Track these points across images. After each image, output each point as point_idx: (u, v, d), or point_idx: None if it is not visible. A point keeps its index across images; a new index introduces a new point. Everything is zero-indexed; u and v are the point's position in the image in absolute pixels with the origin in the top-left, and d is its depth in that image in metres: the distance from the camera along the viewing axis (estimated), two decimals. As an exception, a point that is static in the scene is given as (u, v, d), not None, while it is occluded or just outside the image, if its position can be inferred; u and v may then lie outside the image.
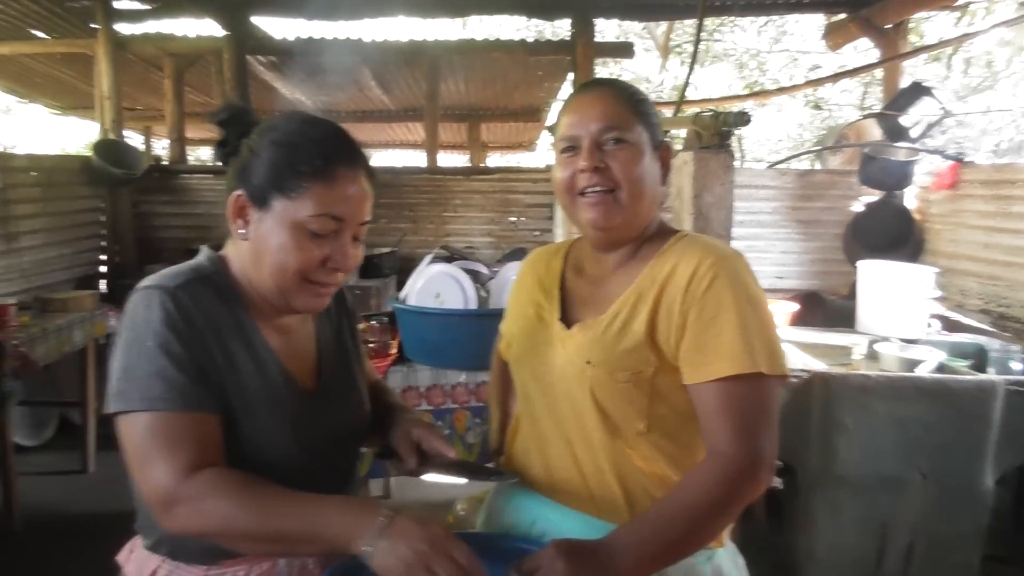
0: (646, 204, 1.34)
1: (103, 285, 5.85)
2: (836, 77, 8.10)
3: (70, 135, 14.66)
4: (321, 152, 1.18)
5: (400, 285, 3.12)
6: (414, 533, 1.03)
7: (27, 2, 5.78)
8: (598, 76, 1.46)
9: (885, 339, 3.24)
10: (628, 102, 1.34)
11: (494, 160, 14.32)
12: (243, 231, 1.22)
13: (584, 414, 1.31)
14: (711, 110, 2.86)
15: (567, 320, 1.40)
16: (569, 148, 1.35)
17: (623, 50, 7.26)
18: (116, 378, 1.13)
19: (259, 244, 1.20)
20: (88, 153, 5.91)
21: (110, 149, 5.79)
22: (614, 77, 1.73)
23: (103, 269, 5.95)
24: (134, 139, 10.21)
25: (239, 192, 1.21)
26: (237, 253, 1.26)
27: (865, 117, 6.44)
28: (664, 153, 1.38)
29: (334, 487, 1.32)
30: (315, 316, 1.39)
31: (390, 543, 1.02)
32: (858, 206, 5.66)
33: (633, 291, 1.32)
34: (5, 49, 6.68)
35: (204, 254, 1.29)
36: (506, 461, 1.54)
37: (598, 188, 1.31)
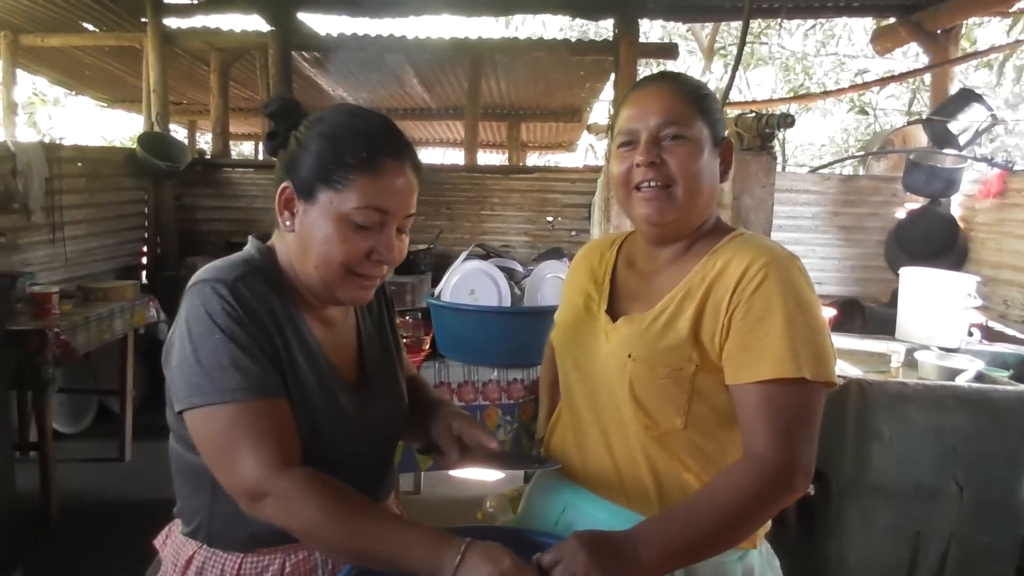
0: (702, 201, 1.32)
1: (144, 276, 5.97)
2: (884, 81, 7.98)
3: (116, 128, 14.95)
4: (367, 144, 1.18)
5: (436, 282, 3.14)
6: (484, 563, 1.03)
7: (80, -5, 5.92)
8: (662, 70, 1.46)
9: (924, 347, 3.18)
10: (690, 97, 1.31)
11: (533, 160, 14.34)
12: (289, 223, 1.22)
13: (622, 407, 1.31)
14: (754, 112, 2.84)
15: (614, 313, 1.40)
16: (627, 142, 1.33)
17: (667, 51, 7.21)
18: (189, 373, 1.13)
19: (305, 236, 1.20)
20: (133, 145, 6.03)
21: (155, 142, 5.91)
22: (680, 72, 1.72)
23: (144, 260, 6.08)
24: (179, 133, 10.39)
25: (286, 184, 1.21)
26: (283, 245, 1.27)
27: (912, 123, 6.35)
28: (725, 150, 1.36)
29: (373, 479, 1.34)
30: (357, 309, 1.39)
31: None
32: (902, 213, 5.58)
33: (682, 287, 1.30)
34: (55, 41, 6.85)
35: (253, 245, 1.30)
36: (546, 449, 1.54)
37: (653, 183, 1.30)
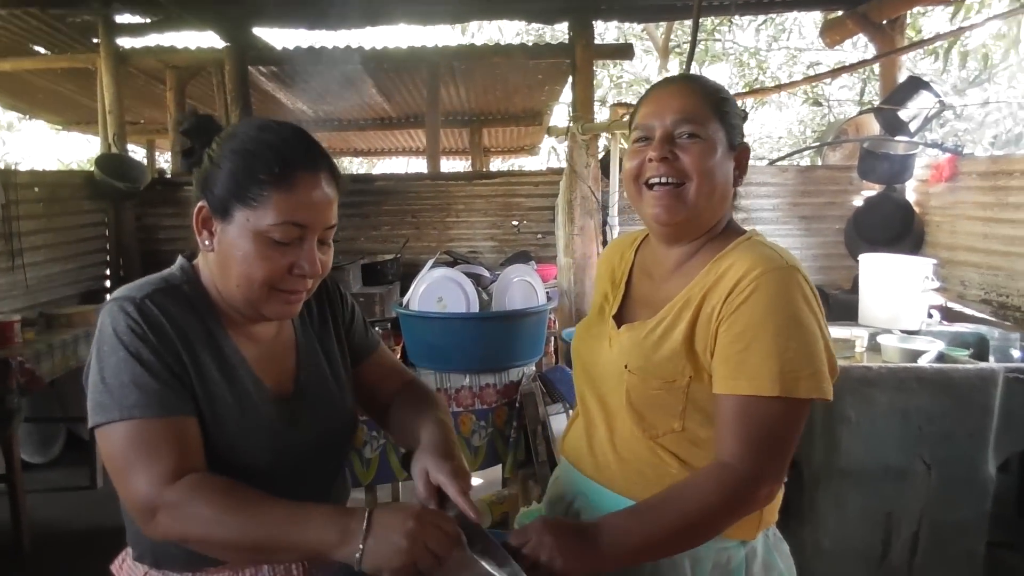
0: (714, 201, 1.32)
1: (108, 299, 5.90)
2: (834, 73, 8.09)
3: (72, 151, 14.73)
4: (279, 158, 1.15)
5: (404, 291, 3.14)
6: (397, 518, 1.04)
7: (29, 18, 5.83)
8: (684, 72, 1.46)
9: (887, 331, 3.25)
10: (708, 98, 1.31)
11: (496, 165, 14.36)
12: (208, 243, 1.20)
13: (622, 412, 1.33)
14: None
15: (622, 318, 1.42)
16: (642, 138, 1.34)
17: (623, 52, 7.27)
18: (93, 391, 1.13)
19: (224, 255, 1.19)
20: (91, 168, 5.96)
21: (113, 163, 5.83)
22: (702, 75, 1.72)
23: (108, 283, 6.00)
24: (137, 153, 10.28)
25: (202, 203, 1.19)
26: (205, 265, 1.26)
27: (864, 112, 6.47)
28: (741, 155, 1.36)
29: (320, 491, 1.32)
30: (294, 321, 1.36)
31: (377, 538, 1.03)
32: (859, 201, 5.69)
33: (682, 296, 1.31)
34: (7, 66, 6.72)
35: (178, 264, 1.29)
36: (563, 442, 1.56)
37: (665, 180, 1.30)
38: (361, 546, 1.03)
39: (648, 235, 1.51)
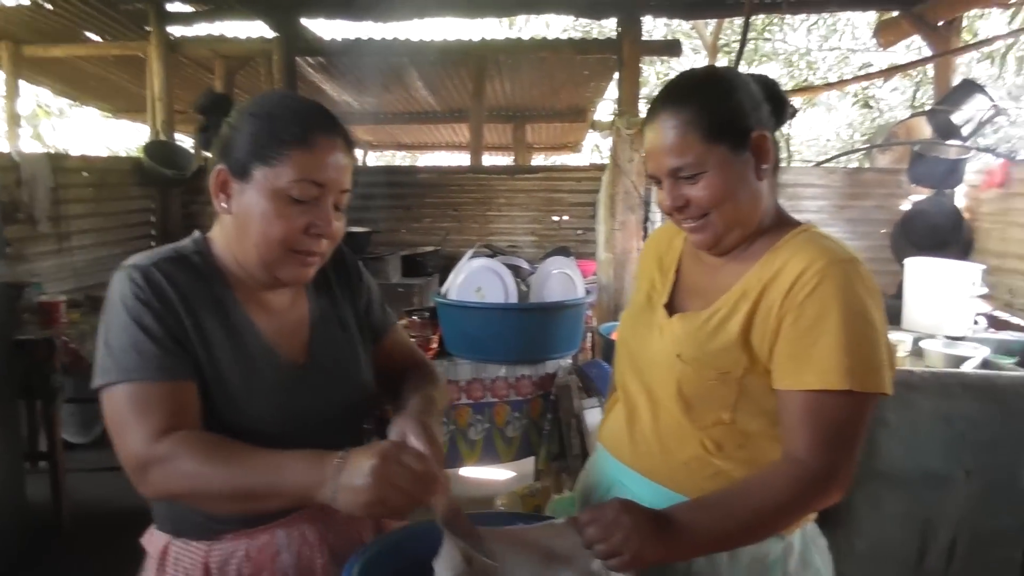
0: (743, 213, 1.30)
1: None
2: (887, 73, 7.96)
3: (121, 138, 14.99)
4: (300, 120, 1.20)
5: (443, 283, 3.16)
6: (364, 456, 1.04)
7: (81, 4, 5.94)
8: (666, 85, 1.39)
9: (931, 336, 3.19)
10: (693, 126, 1.25)
11: (538, 161, 14.34)
12: (225, 205, 1.23)
13: (670, 402, 1.32)
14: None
15: (673, 307, 1.40)
16: (654, 179, 1.34)
17: (670, 49, 7.22)
18: (100, 355, 1.16)
19: (242, 216, 1.21)
20: (139, 154, 6.07)
21: (161, 150, 5.94)
22: (681, 83, 1.63)
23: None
24: (184, 141, 10.44)
25: (220, 167, 1.22)
26: (222, 232, 1.28)
27: (916, 115, 6.34)
28: (757, 144, 1.28)
29: None
30: (309, 293, 1.39)
31: (345, 477, 1.04)
32: (907, 204, 5.59)
33: (739, 288, 1.30)
34: (59, 51, 6.85)
35: (191, 236, 1.32)
36: (599, 427, 1.56)
37: (689, 220, 1.31)
38: (333, 490, 1.04)
39: None
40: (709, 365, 1.27)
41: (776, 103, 1.34)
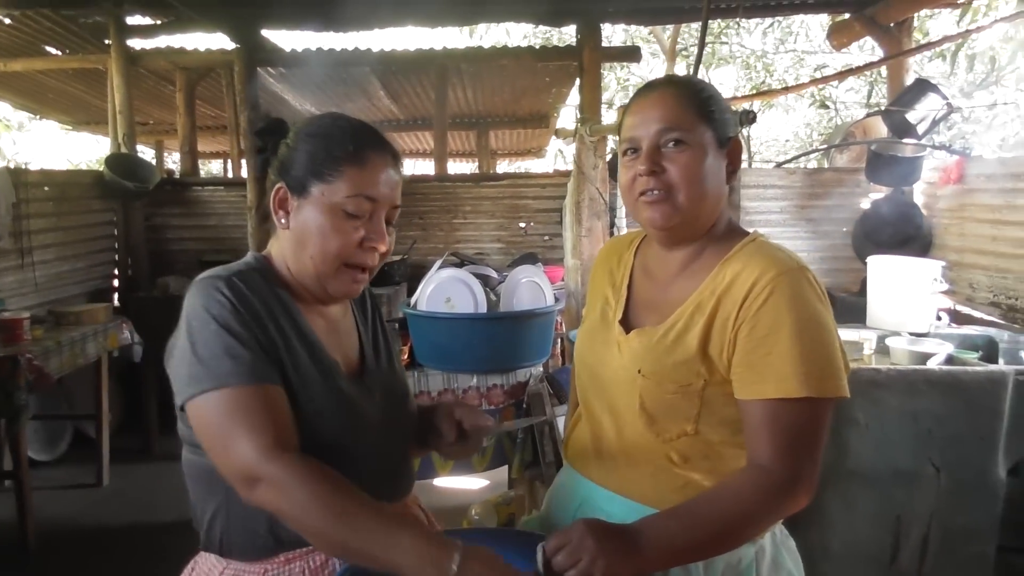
0: (708, 205, 1.32)
1: (116, 298, 5.92)
2: (841, 75, 8.09)
3: (82, 151, 14.78)
4: (353, 138, 1.28)
5: (411, 292, 3.15)
6: (482, 569, 1.05)
7: (41, 19, 5.86)
8: (667, 75, 1.43)
9: (895, 334, 3.24)
10: (691, 102, 1.31)
11: (503, 167, 14.36)
12: (284, 221, 1.30)
13: (633, 417, 1.33)
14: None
15: (628, 323, 1.41)
16: (630, 150, 1.34)
17: (630, 54, 7.27)
18: (187, 365, 1.17)
19: (300, 231, 1.28)
20: (100, 167, 5.98)
21: (123, 163, 5.85)
22: (682, 77, 1.69)
23: (116, 282, 6.02)
24: (146, 153, 10.31)
25: (279, 185, 1.30)
26: (279, 248, 1.35)
27: (871, 115, 6.45)
28: (733, 150, 1.35)
29: (386, 474, 1.38)
30: (354, 310, 1.47)
31: None
32: (866, 203, 5.67)
33: (693, 300, 1.31)
34: (19, 66, 6.73)
35: (249, 254, 1.38)
36: (566, 448, 1.57)
37: (655, 191, 1.31)
38: None
39: (646, 237, 1.51)
40: (670, 379, 1.29)
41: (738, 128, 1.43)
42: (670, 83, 1.37)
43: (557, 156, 14.42)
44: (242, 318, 1.20)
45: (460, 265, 3.46)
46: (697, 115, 1.30)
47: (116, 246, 6.00)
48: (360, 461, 1.26)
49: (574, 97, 8.77)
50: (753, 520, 1.22)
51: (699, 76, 4.41)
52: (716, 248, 1.35)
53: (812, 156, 8.84)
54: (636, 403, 1.32)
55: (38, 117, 10.05)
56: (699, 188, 1.30)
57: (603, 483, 1.40)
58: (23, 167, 4.84)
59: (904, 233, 5.11)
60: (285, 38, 6.70)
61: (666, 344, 1.31)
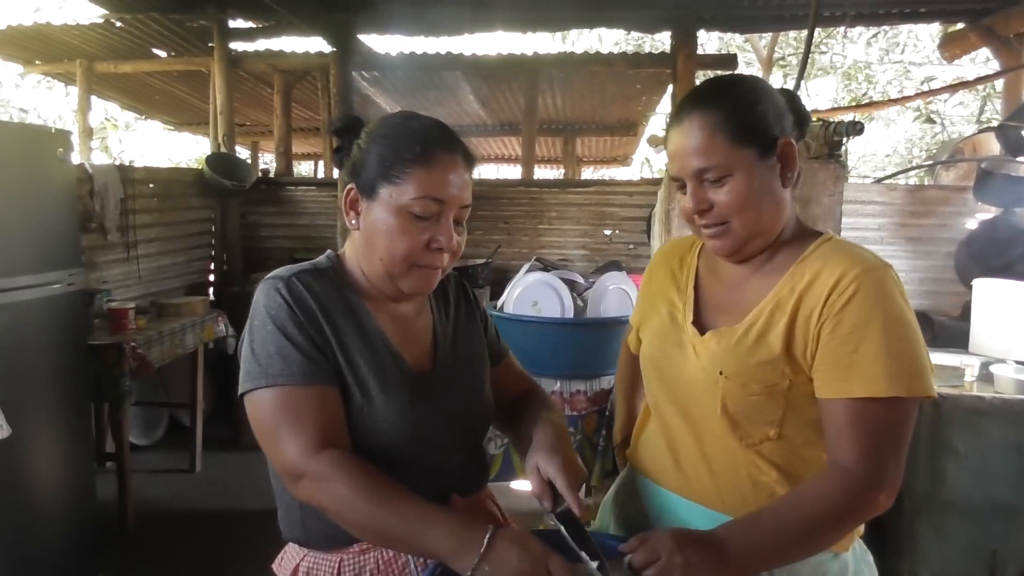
0: (766, 220, 1.29)
1: (211, 292, 6.13)
2: (954, 87, 7.75)
3: (181, 150, 15.41)
4: (420, 140, 1.26)
5: (494, 296, 3.16)
6: (514, 553, 1.07)
7: (150, 23, 6.13)
8: (693, 89, 1.38)
9: (1000, 361, 3.08)
10: (721, 127, 1.24)
11: (588, 175, 14.31)
12: (355, 222, 1.31)
13: (714, 420, 1.30)
14: (821, 120, 2.80)
15: (700, 325, 1.38)
16: (678, 183, 1.33)
17: (726, 63, 7.14)
18: (246, 362, 1.23)
19: (369, 232, 1.29)
20: (201, 166, 6.20)
21: (222, 162, 6.06)
22: (709, 87, 1.60)
23: (212, 277, 6.23)
24: (242, 154, 10.66)
25: (351, 186, 1.31)
26: (352, 247, 1.36)
27: (983, 131, 6.18)
28: (784, 151, 1.28)
29: (453, 469, 1.37)
30: (432, 306, 1.46)
31: (492, 565, 1.07)
32: (973, 223, 5.42)
33: (771, 299, 1.28)
34: (128, 67, 7.09)
35: (325, 254, 1.40)
36: (631, 453, 1.55)
37: (710, 226, 1.29)
38: (474, 566, 1.08)
39: None
40: (754, 379, 1.26)
41: (798, 115, 1.34)
42: (696, 108, 1.28)
43: (643, 165, 14.30)
44: (297, 320, 1.23)
45: (545, 269, 3.45)
46: (731, 140, 1.24)
47: (213, 242, 6.22)
48: (423, 456, 1.29)
49: (665, 105, 8.68)
50: (837, 524, 1.19)
51: (801, 83, 4.30)
52: (789, 249, 1.32)
53: (915, 172, 8.51)
54: (718, 406, 1.29)
55: (144, 117, 10.50)
56: (752, 212, 1.27)
57: (684, 493, 1.38)
58: (130, 165, 5.05)
59: (1012, 256, 4.86)
60: (378, 42, 6.82)
61: (747, 344, 1.27)
